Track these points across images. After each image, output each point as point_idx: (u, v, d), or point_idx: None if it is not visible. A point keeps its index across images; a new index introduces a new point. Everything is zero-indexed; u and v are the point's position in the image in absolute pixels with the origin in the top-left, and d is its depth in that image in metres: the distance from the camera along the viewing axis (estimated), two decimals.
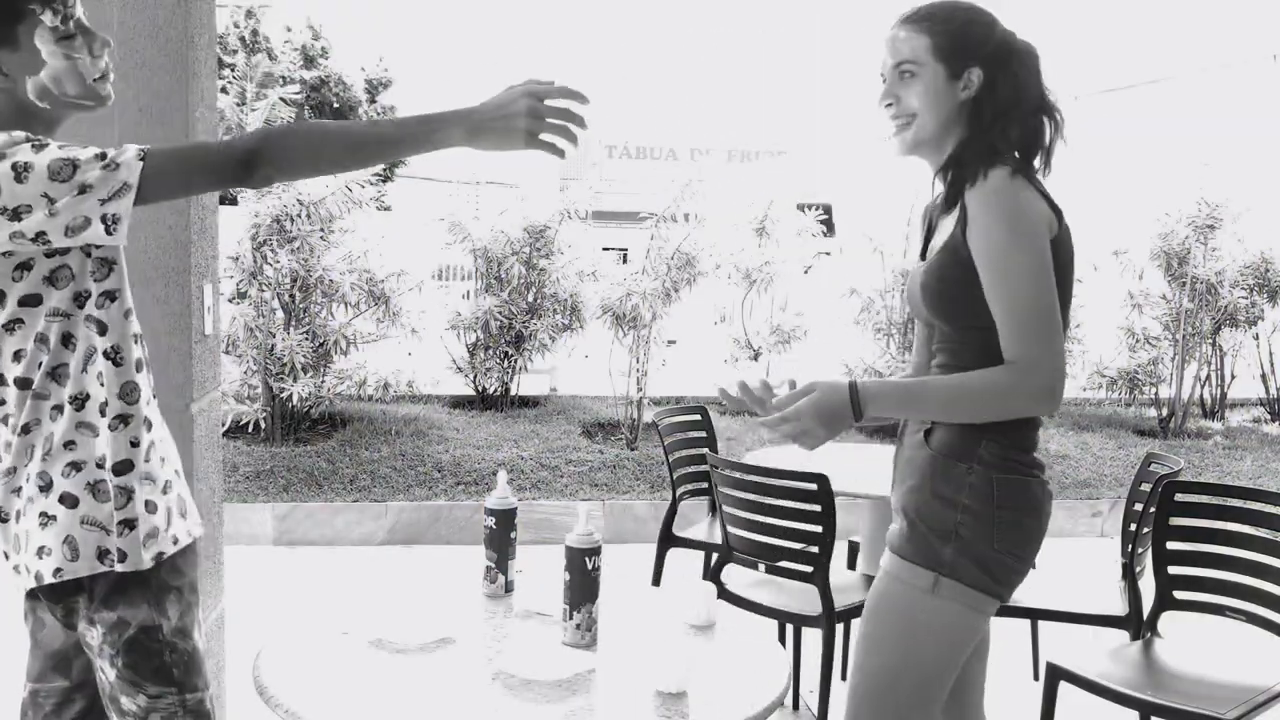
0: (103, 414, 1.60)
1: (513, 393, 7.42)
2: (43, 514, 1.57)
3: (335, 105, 28.34)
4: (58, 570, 1.57)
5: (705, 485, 3.89)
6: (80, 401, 1.59)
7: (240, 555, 4.78)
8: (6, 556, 1.65)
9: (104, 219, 1.49)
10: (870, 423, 1.81)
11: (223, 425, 3.66)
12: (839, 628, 3.28)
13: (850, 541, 3.63)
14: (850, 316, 7.16)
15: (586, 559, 1.79)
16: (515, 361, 7.26)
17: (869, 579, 3.28)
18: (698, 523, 3.89)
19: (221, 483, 2.83)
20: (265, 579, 4.81)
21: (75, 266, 1.57)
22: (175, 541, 1.65)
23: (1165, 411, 7.80)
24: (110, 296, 1.61)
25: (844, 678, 3.69)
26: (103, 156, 1.49)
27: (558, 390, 8.17)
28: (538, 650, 1.76)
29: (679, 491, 3.84)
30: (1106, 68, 19.12)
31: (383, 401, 6.91)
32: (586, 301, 7.18)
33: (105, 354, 1.60)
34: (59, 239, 1.50)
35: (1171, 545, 2.76)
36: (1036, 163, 1.90)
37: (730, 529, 3.07)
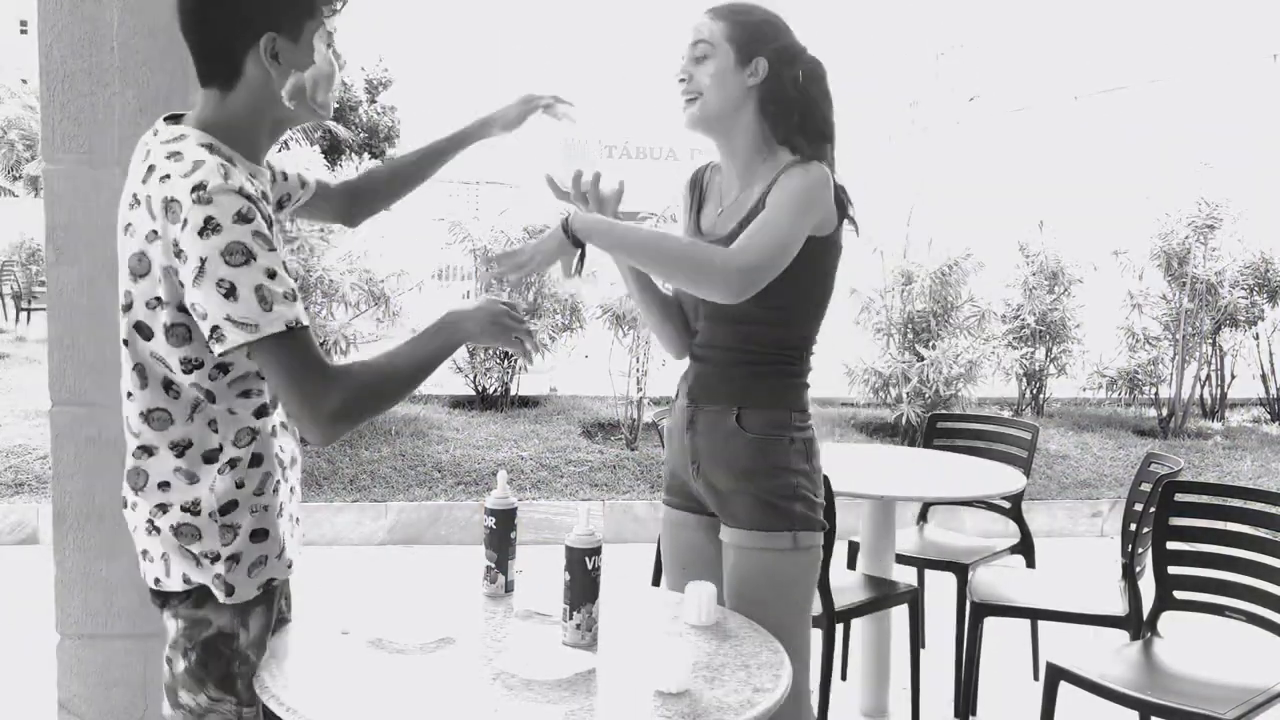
0: (210, 460, 1.62)
1: (513, 393, 7.43)
2: (148, 522, 1.64)
3: (336, 106, 28.31)
4: (157, 580, 1.66)
5: None
6: (181, 449, 1.61)
7: None
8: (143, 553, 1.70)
9: (214, 330, 1.49)
10: (584, 252, 1.97)
11: None
12: (839, 628, 3.28)
13: (850, 541, 3.63)
14: (850, 316, 7.16)
15: (587, 559, 1.79)
16: (515, 361, 7.26)
17: (869, 579, 3.29)
18: None
19: None
20: None
21: (195, 331, 1.55)
22: (290, 566, 1.72)
23: (1165, 411, 7.80)
24: (223, 369, 1.60)
25: (844, 677, 3.70)
26: (272, 274, 1.48)
27: (558, 390, 8.17)
28: (538, 650, 1.76)
29: None
30: (1106, 68, 19.11)
31: None
32: (586, 301, 7.19)
33: (231, 409, 1.62)
34: (175, 301, 1.53)
35: (1171, 545, 2.76)
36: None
37: None
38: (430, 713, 1.58)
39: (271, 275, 1.49)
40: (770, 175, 2.04)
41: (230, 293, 1.46)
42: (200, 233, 1.45)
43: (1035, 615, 3.28)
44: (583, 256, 1.98)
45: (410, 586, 2.13)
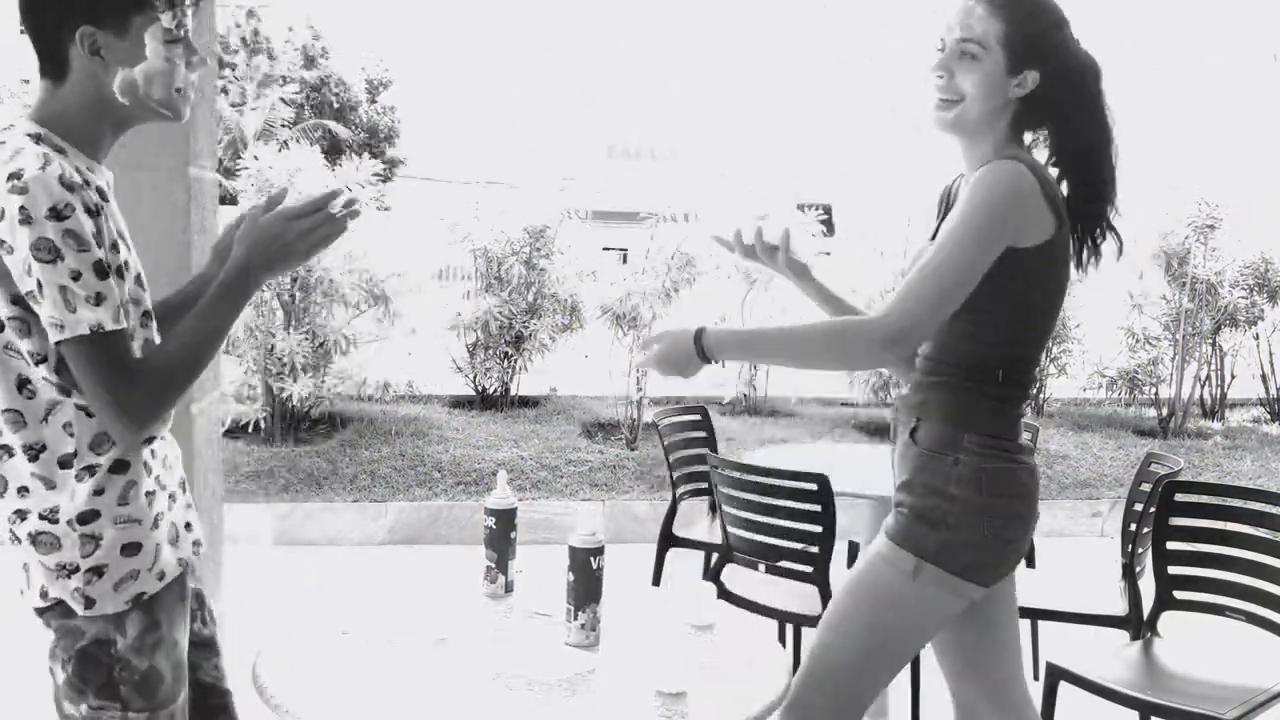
0: (65, 465, 1.53)
1: (513, 393, 7.43)
2: (9, 531, 1.57)
3: (335, 105, 28.33)
4: (21, 591, 1.59)
5: (705, 485, 3.89)
6: (35, 452, 1.52)
7: (240, 555, 4.78)
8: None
9: (50, 318, 1.45)
10: (723, 360, 1.87)
11: (223, 425, 3.67)
12: None
13: (850, 541, 3.62)
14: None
15: (590, 559, 1.79)
16: (515, 361, 7.26)
17: None
18: (698, 523, 3.89)
19: (221, 483, 2.83)
20: (265, 579, 4.81)
21: (35, 325, 1.49)
22: (161, 577, 1.60)
23: (1165, 411, 7.80)
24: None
25: None
26: (77, 276, 1.43)
27: (558, 390, 8.17)
28: (538, 650, 1.76)
29: (679, 491, 3.84)
30: (1106, 67, 19.12)
31: (383, 401, 6.92)
32: (586, 301, 7.19)
33: (78, 405, 1.52)
34: (10, 293, 1.46)
35: (1171, 545, 2.76)
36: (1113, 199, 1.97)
37: (730, 529, 3.07)
38: (430, 713, 1.58)
39: (76, 278, 1.43)
40: None
41: (40, 290, 1.43)
42: (19, 222, 1.42)
43: (1035, 615, 3.27)
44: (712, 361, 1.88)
45: (410, 586, 2.13)
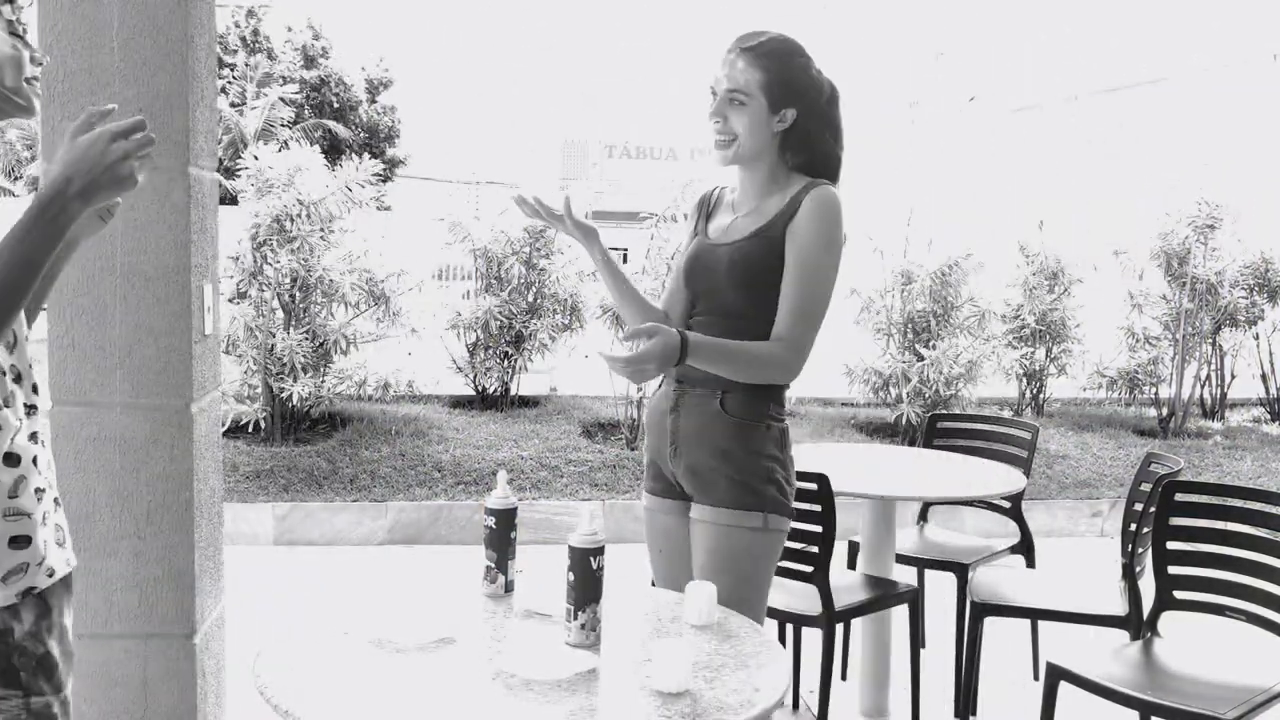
0: None
1: (513, 393, 7.43)
2: None
3: (335, 105, 28.33)
4: None
5: None
6: None
7: (240, 555, 4.79)
8: None
9: None
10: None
11: (223, 425, 3.67)
12: (839, 628, 3.28)
13: (850, 541, 3.63)
14: (850, 316, 7.16)
15: (591, 559, 1.79)
16: (515, 361, 7.26)
17: (869, 579, 3.29)
18: None
19: (221, 483, 2.83)
20: (265, 579, 4.81)
21: None
22: (51, 574, 1.60)
23: (1165, 411, 7.80)
24: None
25: (844, 677, 3.70)
26: None
27: (558, 390, 8.17)
28: (538, 650, 1.76)
29: None
30: (1106, 68, 19.11)
31: (383, 401, 6.92)
32: (586, 301, 7.19)
33: None
34: None
35: (1171, 545, 2.76)
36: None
37: None
38: (430, 713, 1.58)
39: None
40: (784, 192, 2.25)
41: None
42: None
43: (1035, 615, 3.28)
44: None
45: (410, 586, 2.13)
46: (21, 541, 1.55)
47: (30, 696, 1.57)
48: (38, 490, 1.59)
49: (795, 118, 2.23)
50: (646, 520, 2.46)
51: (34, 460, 1.59)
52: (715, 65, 2.26)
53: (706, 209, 2.43)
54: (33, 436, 1.60)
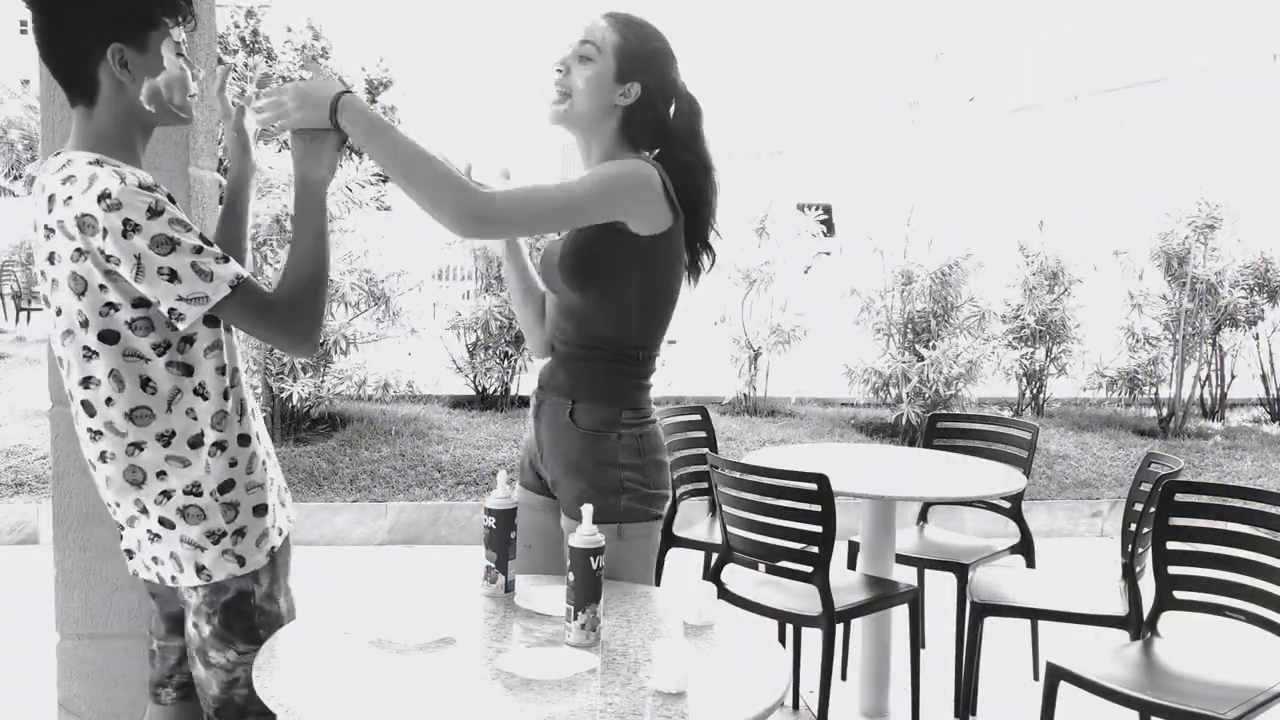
0: (195, 445, 1.77)
1: (513, 393, 7.43)
2: (149, 531, 1.80)
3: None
4: (173, 577, 1.82)
5: (705, 485, 3.89)
6: (167, 438, 1.76)
7: None
8: (130, 555, 1.88)
9: (171, 311, 1.67)
10: (337, 132, 1.86)
11: None
12: (839, 628, 3.28)
13: (850, 541, 3.63)
14: (850, 316, 7.16)
15: (591, 559, 1.79)
16: (515, 361, 7.26)
17: (869, 579, 3.29)
18: (698, 523, 3.89)
19: None
20: None
21: (156, 319, 1.71)
22: (281, 533, 1.90)
23: (1165, 411, 7.80)
24: (189, 340, 1.76)
25: (844, 677, 3.70)
26: (199, 250, 1.66)
27: None
28: (538, 650, 1.76)
29: (679, 491, 3.84)
30: (1106, 68, 19.11)
31: (383, 401, 6.92)
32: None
33: (195, 391, 1.76)
34: (131, 297, 1.68)
35: (1171, 545, 2.76)
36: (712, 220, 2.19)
37: (730, 529, 3.07)
38: (430, 713, 1.58)
39: (199, 251, 1.66)
40: None
41: (173, 277, 1.64)
42: (123, 235, 1.62)
43: (1035, 615, 3.28)
44: (342, 143, 1.88)
45: (410, 586, 2.13)
46: (261, 510, 1.85)
47: None
48: (264, 462, 1.88)
49: (639, 95, 2.10)
50: (521, 516, 2.22)
51: (258, 434, 1.88)
52: (577, 26, 2.15)
53: None
54: (253, 411, 1.88)
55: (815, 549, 2.90)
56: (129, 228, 1.62)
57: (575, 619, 1.79)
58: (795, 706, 3.50)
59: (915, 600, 3.24)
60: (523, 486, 2.33)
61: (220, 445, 1.79)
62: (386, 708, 1.57)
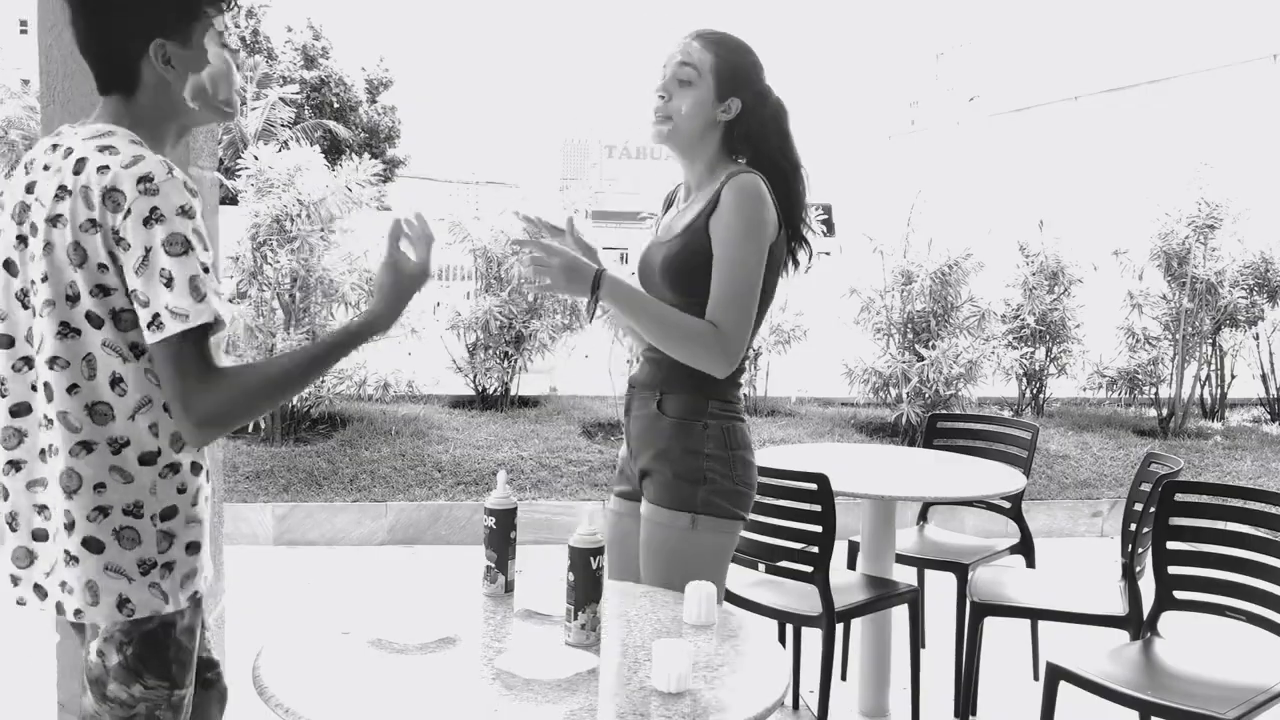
0: (147, 462, 1.60)
1: (513, 393, 7.42)
2: (65, 551, 1.59)
3: (335, 105, 28.34)
4: (78, 611, 1.61)
5: None
6: (119, 446, 1.59)
7: (240, 555, 4.78)
8: (14, 579, 1.68)
9: (155, 317, 1.52)
10: (598, 304, 2.12)
11: None
12: (839, 628, 3.28)
13: (850, 541, 3.63)
14: (850, 316, 7.16)
15: (591, 559, 1.79)
16: (515, 361, 7.26)
17: (869, 579, 3.29)
18: None
19: (221, 483, 2.83)
20: (265, 579, 4.81)
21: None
22: (206, 579, 1.73)
23: (1165, 411, 7.80)
24: None
25: (844, 677, 3.70)
26: (206, 269, 1.54)
27: (558, 390, 8.17)
28: (538, 650, 1.76)
29: None
30: (1106, 68, 19.11)
31: (383, 401, 6.92)
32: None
33: (165, 405, 1.59)
34: (122, 288, 1.55)
35: (1171, 545, 2.76)
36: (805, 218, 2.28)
37: None
38: (430, 713, 1.58)
39: (206, 270, 1.54)
40: (713, 186, 2.19)
41: (169, 283, 1.51)
42: (145, 222, 1.51)
43: (1035, 615, 3.28)
44: (594, 308, 2.15)
45: (410, 586, 2.13)
46: (194, 549, 1.68)
47: (175, 690, 1.67)
48: (206, 497, 1.73)
49: (739, 111, 2.21)
50: (608, 522, 2.43)
51: (207, 470, 1.73)
52: (671, 48, 2.24)
53: (667, 207, 2.43)
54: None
55: (815, 549, 2.90)
56: (154, 216, 1.50)
57: (575, 619, 1.79)
58: (795, 706, 3.50)
59: (915, 600, 3.24)
60: (615, 496, 2.42)
61: (173, 468, 1.63)
62: (386, 708, 1.57)
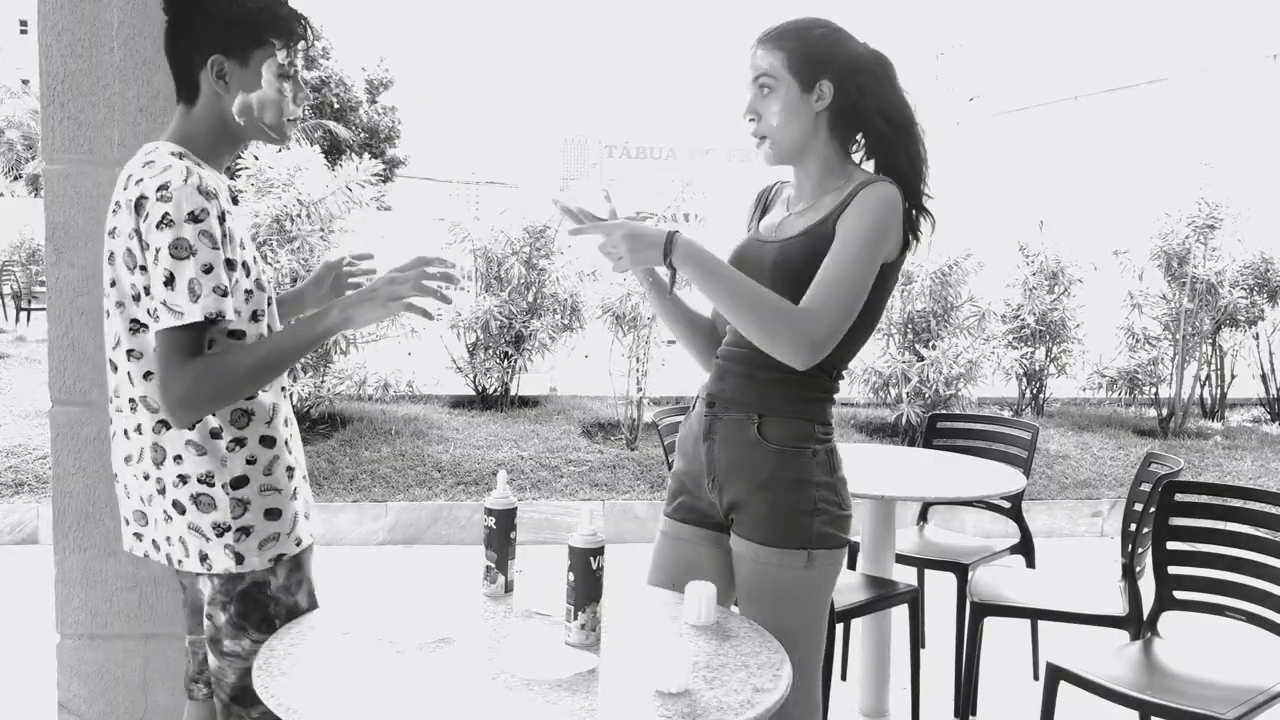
0: (216, 437, 1.80)
1: (513, 393, 7.42)
2: (164, 511, 1.83)
3: (336, 106, 28.34)
4: (180, 561, 1.84)
5: None
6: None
7: None
8: (138, 538, 1.91)
9: (154, 310, 1.70)
10: (669, 269, 1.94)
11: None
12: (839, 628, 3.28)
13: (850, 541, 3.62)
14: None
15: (591, 559, 1.78)
16: (515, 361, 7.26)
17: (869, 579, 3.29)
18: None
19: None
20: None
21: None
22: (299, 544, 1.90)
23: (1165, 411, 7.80)
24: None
25: (844, 677, 3.70)
26: (209, 269, 1.68)
27: (558, 390, 8.16)
28: (538, 650, 1.76)
29: None
30: (1106, 68, 19.12)
31: (383, 401, 6.91)
32: (586, 301, 7.18)
33: None
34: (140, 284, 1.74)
35: (1171, 545, 2.76)
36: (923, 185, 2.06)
37: None
38: (430, 713, 1.58)
39: (208, 270, 1.69)
40: (842, 188, 2.02)
41: (169, 282, 1.68)
42: (158, 226, 1.68)
43: (1035, 615, 3.28)
44: (674, 277, 1.99)
45: (410, 586, 2.13)
46: (274, 514, 1.85)
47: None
48: (289, 469, 1.89)
49: (834, 90, 1.99)
50: (665, 545, 2.20)
51: (286, 442, 1.89)
52: (744, 66, 2.06)
53: (763, 204, 2.23)
54: (285, 421, 1.90)
55: None
56: (165, 221, 1.67)
57: (575, 619, 1.79)
58: None
59: (915, 600, 3.24)
60: (673, 519, 2.19)
61: (239, 441, 1.81)
62: (386, 708, 1.57)
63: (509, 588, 2.03)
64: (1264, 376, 8.42)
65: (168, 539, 1.85)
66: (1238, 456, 7.01)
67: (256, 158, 6.30)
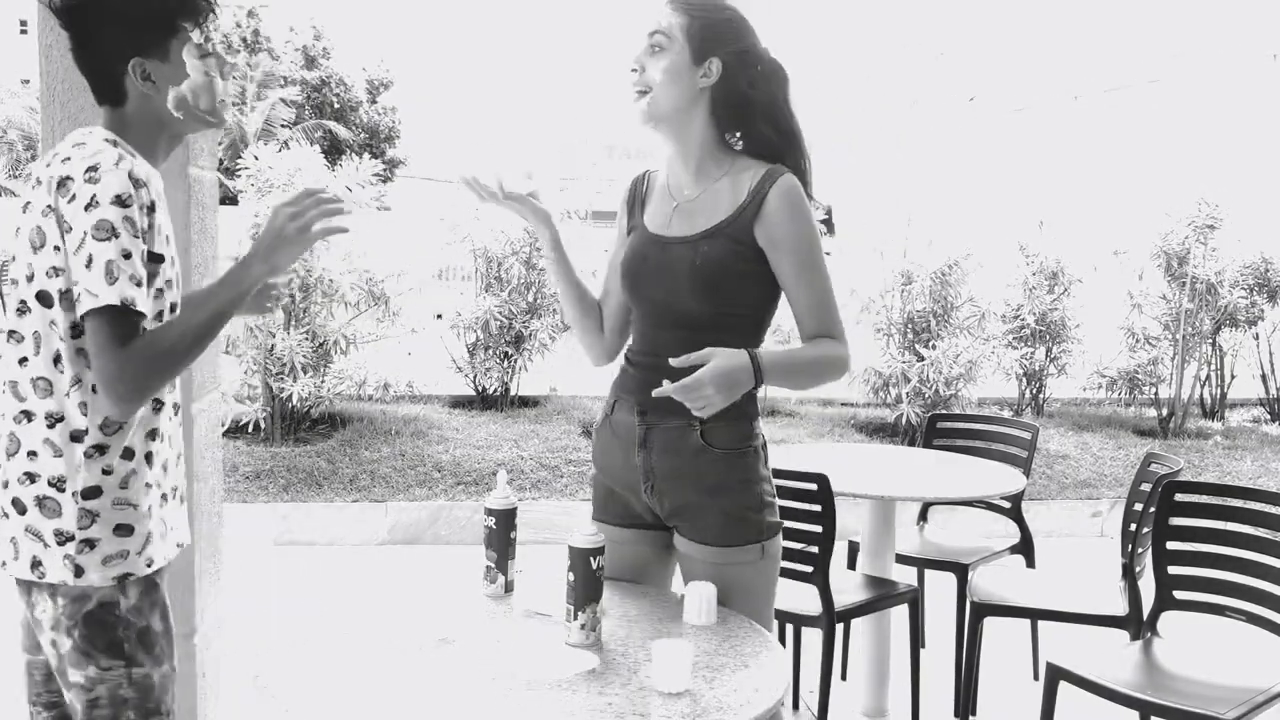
0: (75, 439, 1.69)
1: (512, 393, 7.42)
2: (0, 508, 1.72)
3: (336, 106, 28.33)
4: (3, 563, 1.72)
5: None
6: (54, 420, 1.69)
7: (240, 555, 4.78)
8: None
9: (77, 295, 1.62)
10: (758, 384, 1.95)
11: (223, 425, 3.67)
12: (839, 628, 3.28)
13: (850, 541, 3.63)
14: (850, 316, 7.16)
15: (591, 559, 1.79)
16: (515, 361, 7.26)
17: (869, 579, 3.29)
18: None
19: (221, 483, 2.83)
20: (265, 579, 4.81)
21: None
22: (150, 564, 1.74)
23: (1165, 411, 7.80)
24: None
25: (844, 677, 3.70)
26: (127, 256, 1.61)
27: (558, 390, 8.16)
28: (538, 650, 1.76)
29: None
30: (1106, 68, 19.12)
31: (383, 401, 6.91)
32: None
33: (93, 387, 1.67)
34: (67, 270, 1.64)
35: (1171, 545, 2.76)
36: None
37: None
38: (430, 713, 1.58)
39: (126, 256, 1.61)
40: (733, 178, 2.00)
41: (89, 263, 1.60)
42: (85, 208, 1.61)
43: (1035, 615, 3.28)
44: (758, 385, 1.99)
45: (410, 586, 2.13)
46: (124, 530, 1.71)
47: (132, 667, 1.71)
48: (148, 485, 1.75)
49: (722, 73, 1.96)
50: (617, 554, 2.09)
51: (147, 456, 1.75)
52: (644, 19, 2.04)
53: (640, 196, 2.15)
54: (151, 434, 1.76)
55: (815, 549, 2.90)
56: (91, 202, 1.60)
57: (575, 619, 1.79)
58: (795, 706, 3.50)
59: (915, 600, 3.24)
60: (609, 524, 2.12)
61: (100, 449, 1.69)
62: (386, 708, 1.57)
63: (509, 588, 2.03)
64: (1264, 376, 8.42)
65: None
66: (1238, 456, 7.01)
67: (256, 158, 6.31)
